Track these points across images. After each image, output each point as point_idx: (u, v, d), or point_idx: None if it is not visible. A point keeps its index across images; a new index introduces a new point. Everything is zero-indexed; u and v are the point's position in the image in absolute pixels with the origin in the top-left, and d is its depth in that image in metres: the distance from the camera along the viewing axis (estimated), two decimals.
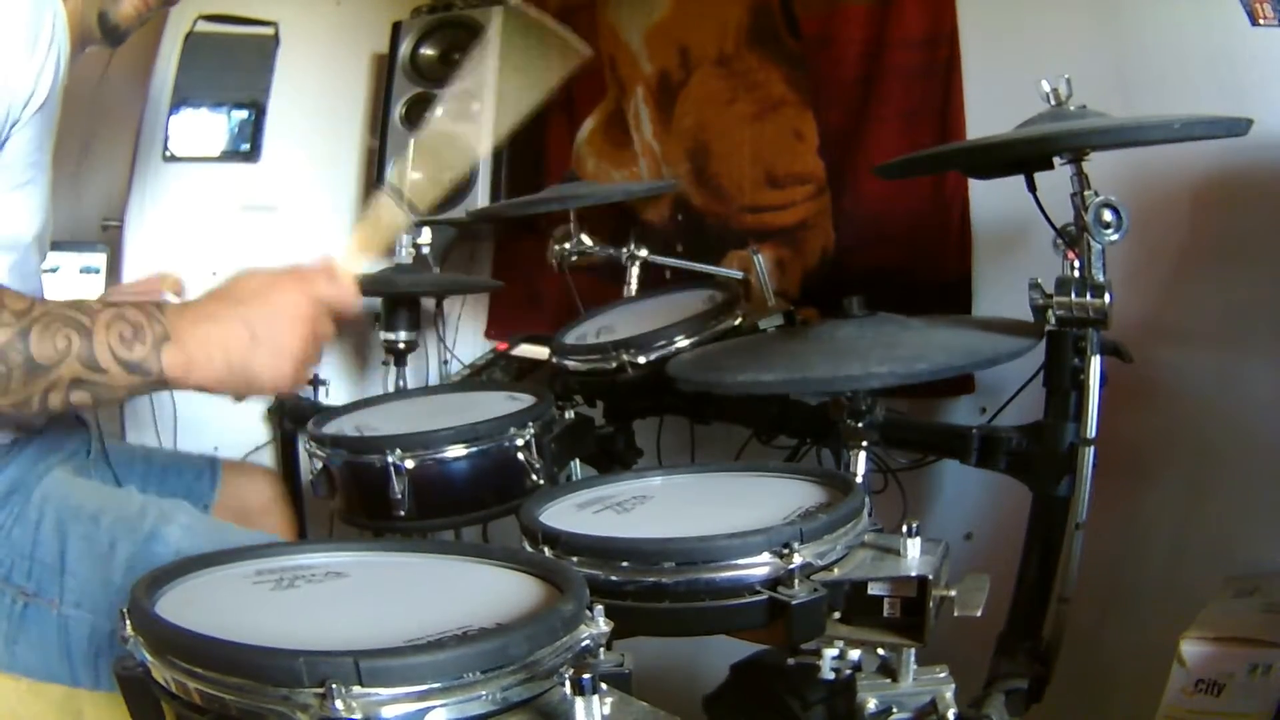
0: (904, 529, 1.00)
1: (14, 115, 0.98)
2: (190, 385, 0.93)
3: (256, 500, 1.47)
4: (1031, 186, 1.34)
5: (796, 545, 0.92)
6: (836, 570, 0.97)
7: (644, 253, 2.01)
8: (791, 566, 0.92)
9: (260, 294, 0.96)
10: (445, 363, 2.56)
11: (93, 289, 2.60)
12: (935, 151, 1.59)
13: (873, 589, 0.97)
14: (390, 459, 1.34)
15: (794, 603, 0.90)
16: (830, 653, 1.03)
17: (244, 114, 2.71)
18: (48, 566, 1.07)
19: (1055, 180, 1.32)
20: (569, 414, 1.54)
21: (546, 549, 0.98)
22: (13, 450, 1.11)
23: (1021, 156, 1.32)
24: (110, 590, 1.05)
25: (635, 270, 2.01)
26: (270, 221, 2.73)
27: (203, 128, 2.68)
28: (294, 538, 1.50)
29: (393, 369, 2.29)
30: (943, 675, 1.05)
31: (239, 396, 0.97)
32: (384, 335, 2.25)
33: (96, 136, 2.60)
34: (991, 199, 1.89)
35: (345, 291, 1.01)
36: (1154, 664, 1.30)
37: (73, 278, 2.58)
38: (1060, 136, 1.24)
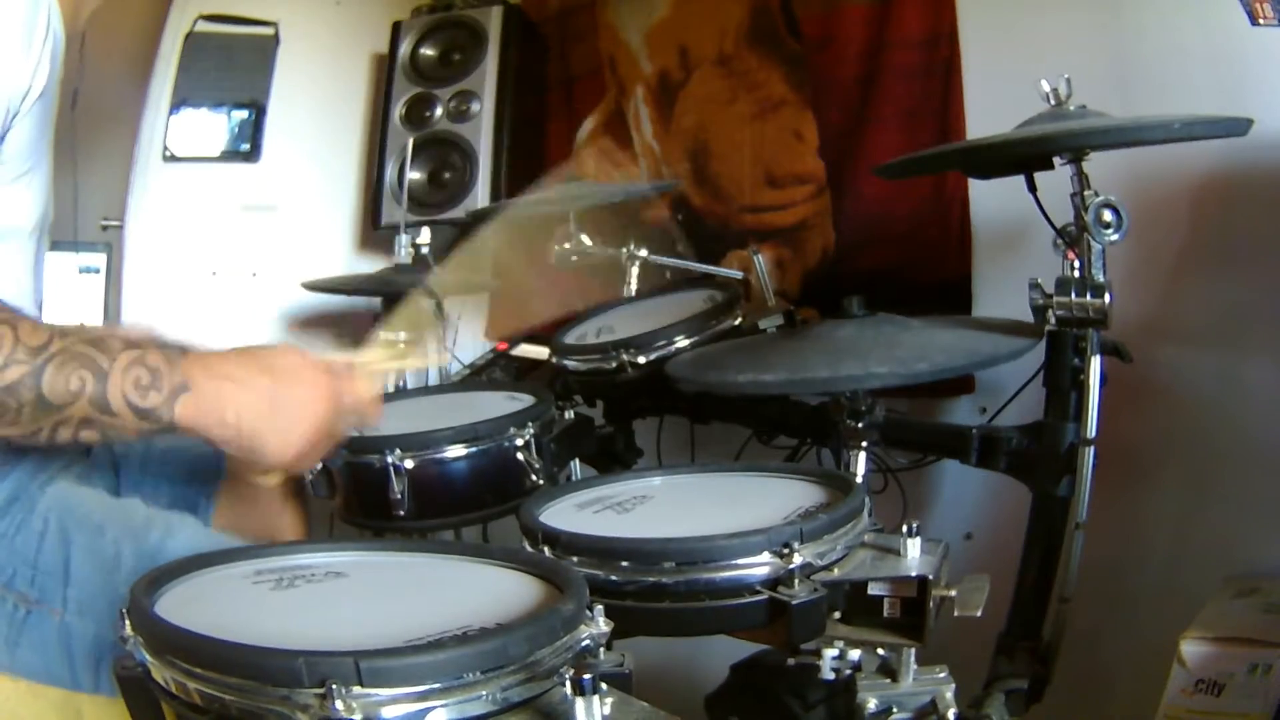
0: (904, 529, 1.00)
1: (13, 109, 0.98)
2: (198, 435, 0.94)
3: (262, 486, 1.46)
4: (1031, 186, 1.34)
5: (796, 545, 0.92)
6: (836, 570, 0.97)
7: (644, 253, 2.01)
8: (791, 566, 0.92)
9: (289, 374, 0.97)
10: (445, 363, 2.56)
11: (93, 289, 2.60)
12: (935, 151, 1.59)
13: (873, 589, 0.97)
14: (390, 459, 1.33)
15: (794, 603, 0.90)
16: (830, 653, 1.03)
17: (244, 114, 2.71)
18: (52, 575, 1.07)
19: (1055, 180, 1.32)
20: (569, 414, 1.54)
21: (546, 549, 0.98)
22: (14, 458, 1.11)
23: (1021, 156, 1.32)
24: (115, 600, 1.04)
25: (635, 270, 2.01)
26: (270, 221, 2.73)
27: (203, 128, 2.68)
28: (301, 524, 1.49)
29: None
30: (943, 675, 1.05)
31: (239, 456, 0.98)
32: (384, 335, 2.25)
33: (96, 136, 2.60)
34: (991, 199, 1.89)
35: (367, 405, 1.04)
36: (1154, 664, 1.31)
37: (73, 278, 2.58)
38: (1060, 136, 1.24)
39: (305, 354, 1.00)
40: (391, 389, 2.22)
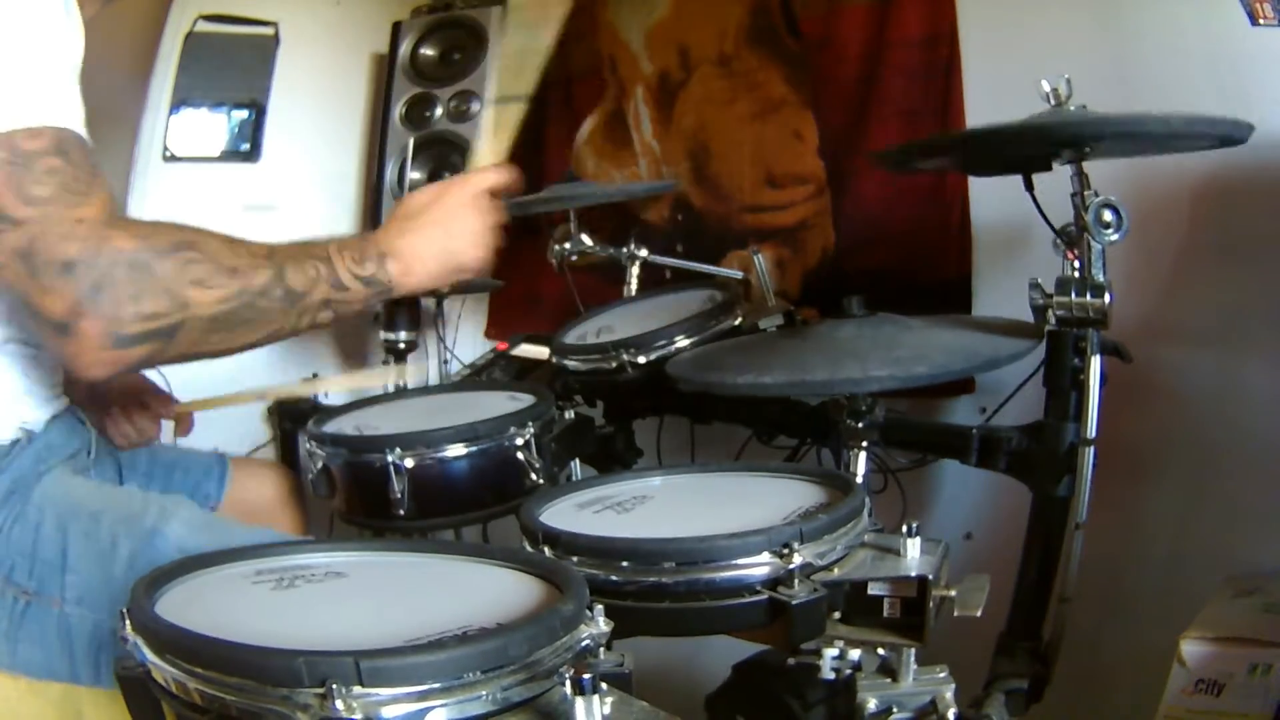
0: (904, 529, 1.00)
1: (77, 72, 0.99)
2: (411, 285, 1.10)
3: (264, 499, 1.47)
4: (1029, 187, 1.34)
5: (796, 545, 0.92)
6: (836, 570, 0.97)
7: (644, 253, 2.01)
8: (791, 566, 0.92)
9: (433, 203, 1.14)
10: (445, 363, 2.56)
11: None
12: (935, 139, 1.58)
13: (873, 589, 0.97)
14: (390, 458, 1.34)
15: (794, 603, 0.90)
16: (830, 653, 1.03)
17: (244, 114, 2.71)
18: (50, 564, 1.07)
19: (1055, 180, 1.32)
20: (569, 414, 1.54)
21: (546, 549, 0.98)
22: (13, 451, 1.11)
23: (1021, 153, 1.32)
24: (113, 587, 1.05)
25: (635, 270, 2.01)
26: (270, 221, 2.73)
27: (203, 128, 2.68)
28: (301, 526, 1.49)
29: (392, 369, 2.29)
30: (943, 675, 1.05)
31: (448, 282, 1.15)
32: (384, 335, 2.25)
33: (96, 136, 2.60)
34: (991, 199, 1.89)
35: (494, 176, 1.19)
36: (1154, 664, 1.30)
37: None
38: (1064, 126, 1.24)
39: (429, 188, 1.17)
40: (391, 389, 2.23)
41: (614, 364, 1.57)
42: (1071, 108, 1.31)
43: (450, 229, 1.13)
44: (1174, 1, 1.66)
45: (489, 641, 0.70)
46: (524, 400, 1.53)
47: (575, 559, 0.95)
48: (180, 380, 1.47)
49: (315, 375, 2.35)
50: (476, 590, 0.86)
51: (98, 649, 1.05)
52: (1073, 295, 1.26)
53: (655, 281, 2.05)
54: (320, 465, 1.41)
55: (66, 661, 1.06)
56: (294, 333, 1.04)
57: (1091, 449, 1.31)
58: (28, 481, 1.11)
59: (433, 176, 2.58)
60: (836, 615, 0.98)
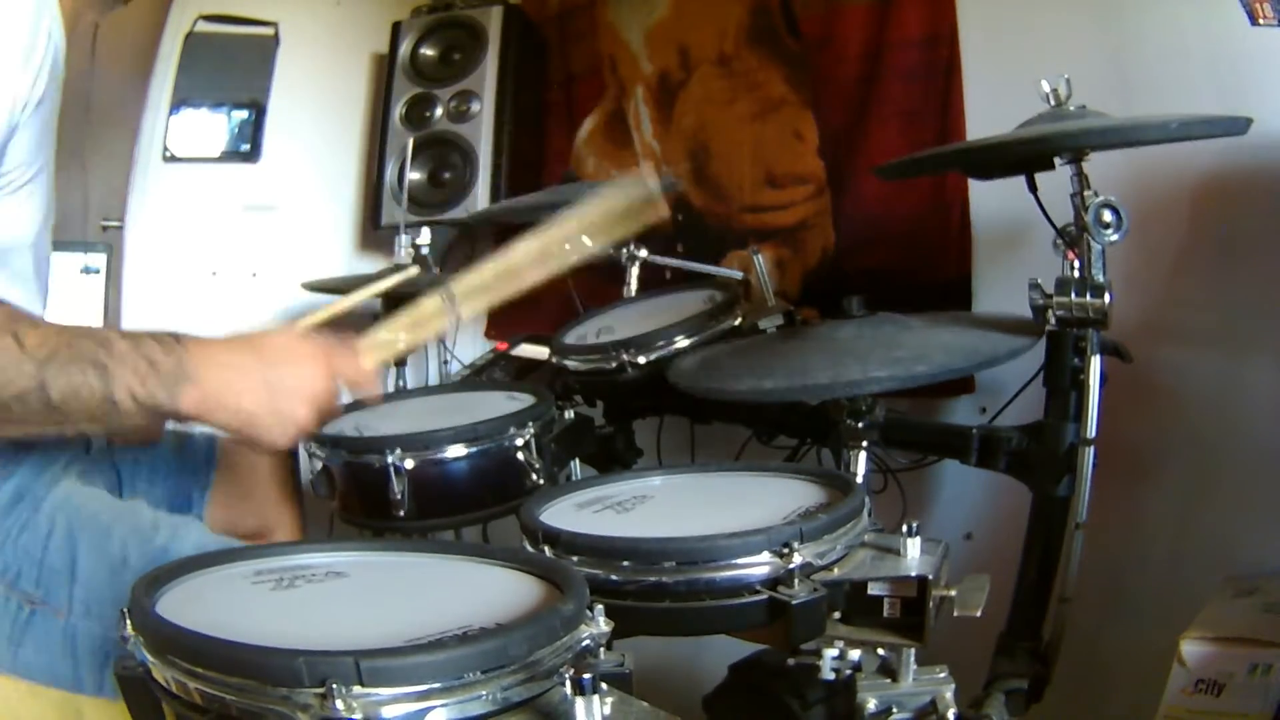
0: (904, 529, 1.00)
1: (14, 122, 0.98)
2: (203, 422, 0.97)
3: (255, 477, 1.47)
4: (1032, 187, 1.34)
5: (796, 545, 0.92)
6: (836, 570, 0.97)
7: (644, 253, 2.01)
8: (791, 566, 0.92)
9: (284, 355, 1.00)
10: (445, 363, 2.56)
11: (93, 289, 2.60)
12: (935, 152, 1.59)
13: (873, 589, 0.97)
14: (390, 459, 1.33)
15: (794, 602, 0.90)
16: (830, 653, 1.03)
17: (244, 114, 2.71)
18: (58, 574, 1.07)
19: (1055, 180, 1.32)
20: (569, 414, 1.54)
21: (546, 549, 0.98)
22: (18, 456, 1.11)
23: (1021, 157, 1.33)
24: (121, 601, 1.05)
25: (635, 270, 2.01)
26: (270, 221, 2.73)
27: (203, 128, 2.68)
28: (295, 515, 1.49)
29: (393, 369, 2.29)
30: (943, 675, 1.05)
31: (240, 440, 1.01)
32: (383, 332, 2.24)
33: (96, 136, 2.61)
34: (991, 199, 1.89)
35: (363, 378, 1.10)
36: (1154, 664, 1.30)
37: (73, 278, 2.58)
38: (1058, 137, 1.24)
39: (298, 334, 1.04)
40: (392, 389, 2.23)
41: (614, 364, 1.57)
42: (1071, 108, 1.32)
43: (276, 396, 0.98)
44: (1174, 1, 1.66)
45: (489, 641, 0.70)
46: (524, 400, 1.52)
47: (575, 559, 0.95)
48: None
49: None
50: (476, 590, 0.86)
51: (103, 661, 1.05)
52: (1073, 295, 1.26)
53: (655, 281, 2.04)
54: (320, 466, 1.41)
55: (70, 670, 1.06)
56: (59, 435, 0.95)
57: (1091, 449, 1.31)
58: (36, 489, 1.11)
59: (432, 176, 2.58)
60: (836, 615, 0.97)
